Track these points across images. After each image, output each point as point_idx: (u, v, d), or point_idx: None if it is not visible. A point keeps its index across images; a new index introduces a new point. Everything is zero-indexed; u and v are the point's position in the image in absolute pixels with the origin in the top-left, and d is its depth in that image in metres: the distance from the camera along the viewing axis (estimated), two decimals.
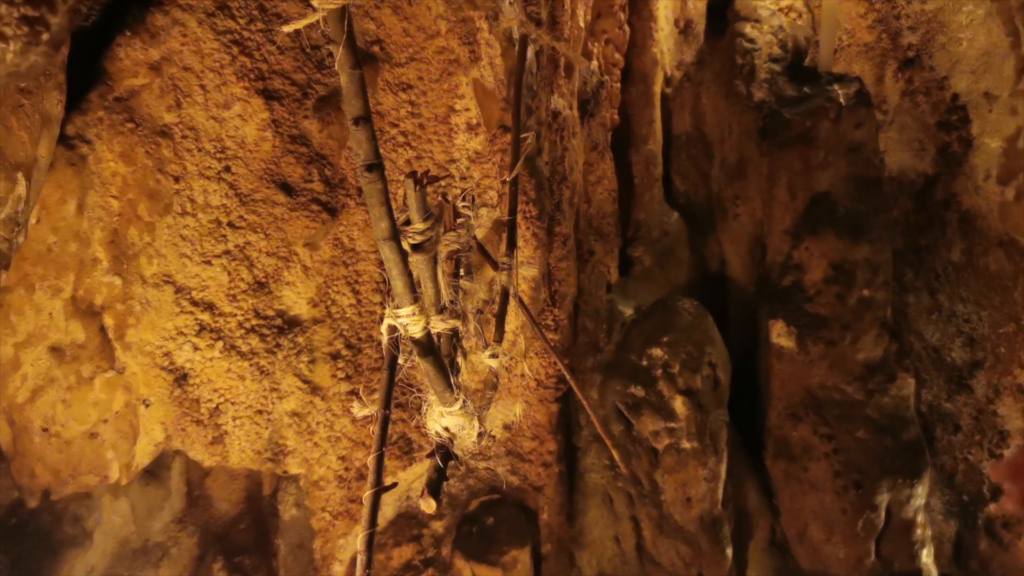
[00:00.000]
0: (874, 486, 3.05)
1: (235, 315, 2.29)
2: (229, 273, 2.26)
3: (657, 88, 3.64)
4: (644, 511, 3.02)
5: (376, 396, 0.95)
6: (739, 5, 3.55)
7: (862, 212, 3.11)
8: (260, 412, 2.37)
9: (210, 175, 2.19)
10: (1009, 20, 3.14)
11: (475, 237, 1.08)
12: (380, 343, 0.94)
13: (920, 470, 3.11)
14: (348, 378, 2.47)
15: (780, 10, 3.63)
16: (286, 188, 2.28)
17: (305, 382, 2.41)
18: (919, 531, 3.15)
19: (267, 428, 2.39)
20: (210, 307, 2.25)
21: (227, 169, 2.20)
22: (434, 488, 0.99)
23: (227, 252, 2.25)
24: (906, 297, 3.56)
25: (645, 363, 2.98)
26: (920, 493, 3.12)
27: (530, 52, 2.52)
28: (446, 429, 1.01)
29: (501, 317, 1.60)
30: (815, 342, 3.06)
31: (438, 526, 2.80)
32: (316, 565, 2.54)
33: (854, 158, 3.14)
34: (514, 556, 2.78)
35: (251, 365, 2.33)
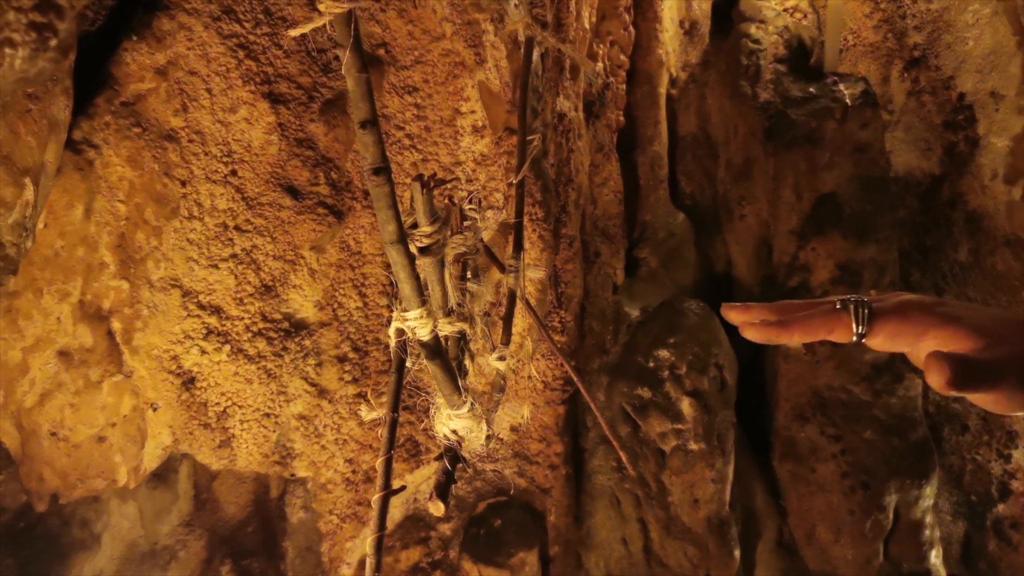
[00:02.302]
0: (882, 487, 3.05)
1: (242, 318, 2.29)
2: (236, 276, 2.26)
3: (662, 89, 3.64)
4: (651, 513, 3.02)
5: (384, 399, 0.96)
6: (744, 6, 3.55)
7: (868, 212, 3.11)
8: (267, 415, 2.37)
9: (216, 179, 2.19)
10: (1015, 19, 3.14)
11: (482, 240, 1.08)
12: (387, 346, 0.94)
13: (928, 471, 3.11)
14: (355, 381, 2.47)
15: (785, 10, 3.63)
16: (292, 191, 2.29)
17: (312, 385, 2.41)
18: (927, 532, 3.14)
19: (274, 431, 2.39)
20: (217, 311, 2.26)
21: (233, 173, 2.21)
22: (442, 491, 0.99)
23: (234, 256, 2.25)
24: None
25: (652, 364, 2.98)
26: (928, 494, 3.12)
27: (535, 54, 2.52)
28: (454, 432, 1.01)
29: (508, 319, 1.60)
30: (822, 343, 3.06)
31: (446, 528, 2.80)
32: (324, 568, 2.54)
33: (860, 158, 3.14)
34: (522, 558, 2.78)
35: (258, 368, 2.33)
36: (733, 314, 0.92)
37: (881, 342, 0.83)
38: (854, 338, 0.83)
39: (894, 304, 0.83)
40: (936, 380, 0.74)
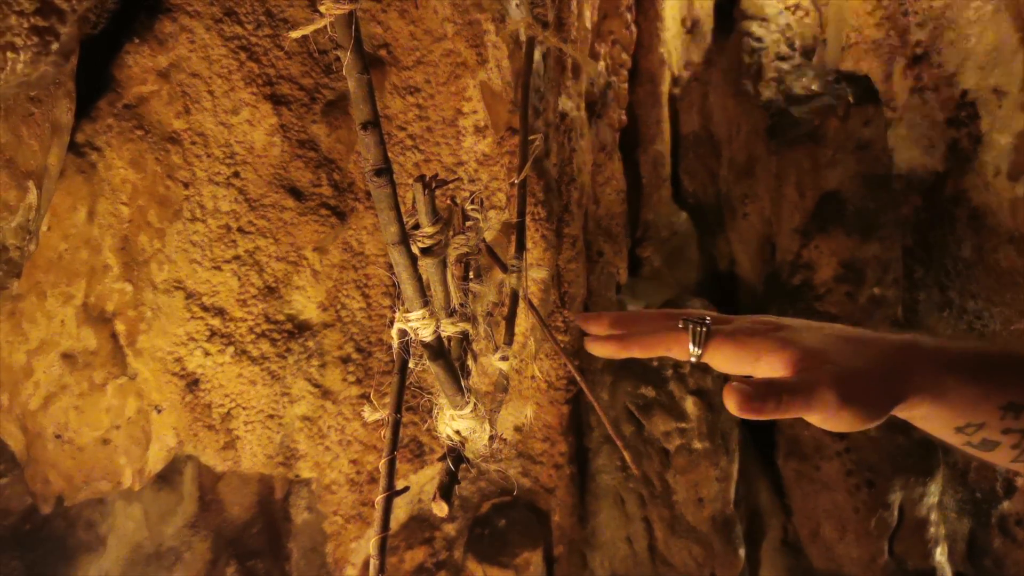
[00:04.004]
0: (886, 484, 3.04)
1: (245, 320, 2.29)
2: (239, 278, 2.26)
3: (664, 88, 3.64)
4: (656, 512, 3.02)
5: (387, 400, 0.95)
6: (746, 4, 3.55)
7: (871, 210, 3.11)
8: (271, 417, 2.37)
9: (219, 181, 2.19)
10: (1018, 16, 3.14)
11: (484, 240, 1.08)
12: (390, 347, 0.94)
13: (933, 468, 3.10)
14: (359, 382, 2.47)
15: (787, 8, 3.63)
16: (295, 193, 2.29)
17: (316, 386, 2.42)
18: (932, 529, 3.14)
19: (278, 433, 2.39)
20: (221, 312, 2.26)
21: (236, 175, 2.21)
22: (446, 491, 0.99)
23: (237, 257, 2.25)
24: (916, 294, 3.55)
25: (655, 363, 2.98)
26: (933, 491, 3.11)
27: (537, 54, 2.52)
28: (457, 432, 1.00)
29: (511, 319, 1.59)
30: None
31: (450, 529, 2.80)
32: (329, 569, 2.54)
33: (863, 156, 3.14)
34: (526, 558, 2.78)
35: (262, 370, 2.33)
36: (584, 325, 0.94)
37: (718, 364, 0.84)
38: (692, 358, 0.84)
39: (732, 328, 0.85)
40: (730, 406, 0.75)
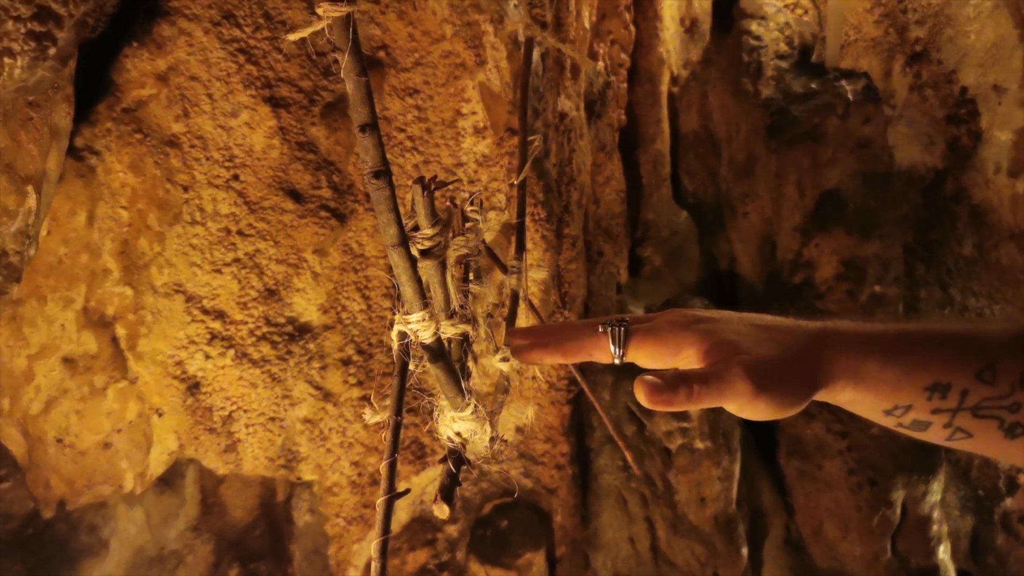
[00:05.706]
0: (889, 483, 3.04)
1: (246, 323, 2.29)
2: (239, 281, 2.26)
3: (664, 87, 3.64)
4: (658, 511, 3.02)
5: (388, 402, 0.95)
6: (745, 3, 3.54)
7: (872, 208, 3.10)
8: (272, 419, 2.37)
9: (219, 184, 2.19)
10: (1017, 12, 3.13)
11: (484, 241, 1.07)
12: (391, 349, 0.94)
13: (935, 466, 3.10)
14: (359, 384, 2.47)
15: (786, 6, 3.63)
16: (294, 195, 2.29)
17: (317, 388, 2.41)
18: (935, 527, 3.13)
19: (280, 435, 2.39)
20: (221, 315, 2.26)
21: (235, 177, 2.21)
22: (447, 493, 0.98)
23: (237, 260, 2.25)
24: (918, 292, 3.55)
25: None
26: (935, 489, 3.11)
27: (536, 54, 2.52)
28: (458, 434, 1.00)
29: (511, 320, 1.59)
30: None
31: (452, 530, 2.80)
32: (331, 571, 2.54)
33: (863, 154, 3.13)
34: (529, 559, 2.78)
35: (263, 372, 2.33)
36: (513, 338, 0.97)
37: (642, 361, 0.85)
38: (615, 360, 0.85)
39: (651, 325, 0.85)
40: (640, 398, 0.76)
